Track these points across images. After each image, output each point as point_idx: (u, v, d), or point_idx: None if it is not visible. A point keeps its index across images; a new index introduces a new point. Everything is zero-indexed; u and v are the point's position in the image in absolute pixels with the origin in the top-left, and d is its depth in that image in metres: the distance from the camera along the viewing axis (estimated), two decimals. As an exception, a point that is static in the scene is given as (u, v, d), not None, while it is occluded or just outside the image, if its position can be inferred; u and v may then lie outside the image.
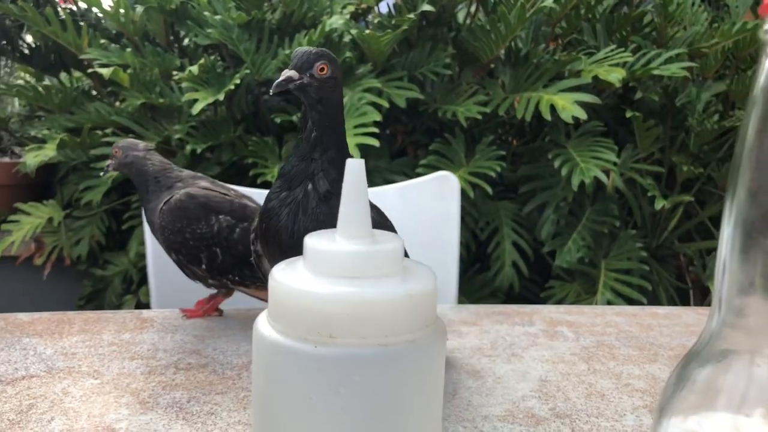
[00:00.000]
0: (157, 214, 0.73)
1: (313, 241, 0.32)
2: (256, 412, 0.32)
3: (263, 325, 0.32)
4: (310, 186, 0.55)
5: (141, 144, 0.78)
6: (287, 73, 0.54)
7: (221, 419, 0.55)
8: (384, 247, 0.31)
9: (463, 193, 1.46)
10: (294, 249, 0.55)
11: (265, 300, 0.81)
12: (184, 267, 0.76)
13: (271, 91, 0.53)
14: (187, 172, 0.78)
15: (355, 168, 0.32)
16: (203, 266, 0.73)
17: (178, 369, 0.64)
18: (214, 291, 0.81)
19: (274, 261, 0.57)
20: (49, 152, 1.53)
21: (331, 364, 0.29)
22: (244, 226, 0.73)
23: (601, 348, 0.73)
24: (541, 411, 0.58)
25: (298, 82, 0.53)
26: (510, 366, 0.67)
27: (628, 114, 1.54)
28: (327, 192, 0.55)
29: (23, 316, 0.76)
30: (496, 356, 0.70)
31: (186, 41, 1.79)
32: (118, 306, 1.65)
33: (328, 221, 0.54)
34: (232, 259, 0.73)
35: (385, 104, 1.48)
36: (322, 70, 0.53)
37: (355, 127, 1.44)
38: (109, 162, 0.77)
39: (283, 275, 0.31)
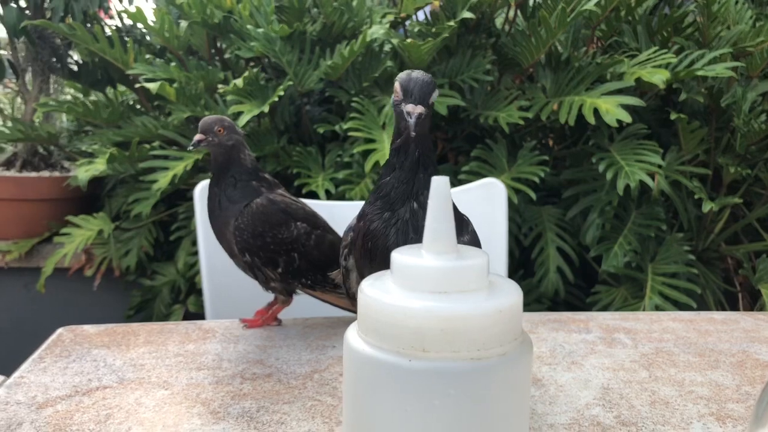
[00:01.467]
0: (236, 215, 0.73)
1: (400, 256, 0.32)
2: (348, 423, 0.33)
3: (354, 338, 0.33)
4: (415, 205, 0.55)
5: (240, 129, 0.77)
6: (418, 110, 0.54)
7: (291, 428, 0.56)
8: (470, 262, 0.32)
9: (508, 199, 1.46)
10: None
11: (330, 303, 0.83)
12: (258, 269, 0.76)
13: (412, 133, 0.54)
14: (271, 177, 0.78)
15: (440, 185, 0.33)
16: (279, 270, 0.76)
17: (244, 379, 0.65)
18: (269, 298, 0.82)
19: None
20: (99, 166, 1.57)
21: (426, 378, 0.30)
22: (317, 233, 0.76)
23: (661, 355, 0.73)
24: (606, 419, 0.58)
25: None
26: (571, 374, 0.67)
27: (673, 116, 1.52)
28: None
29: (89, 328, 0.79)
30: (556, 364, 0.70)
31: (227, 54, 1.82)
32: (166, 316, 1.68)
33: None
34: (307, 264, 0.76)
35: (427, 112, 1.49)
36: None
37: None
38: (200, 138, 0.73)
39: (373, 290, 0.32)
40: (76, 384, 0.63)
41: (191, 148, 0.64)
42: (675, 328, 0.82)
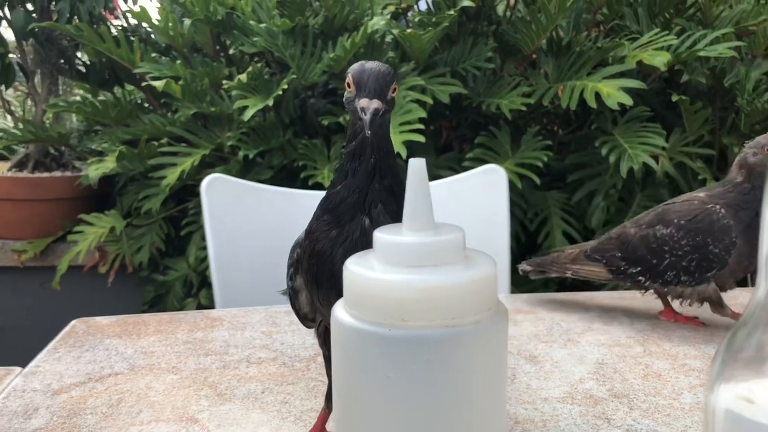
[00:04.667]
0: None
1: (382, 234, 0.34)
2: (337, 391, 0.36)
3: (341, 312, 0.35)
4: (367, 221, 0.46)
5: None
6: (374, 105, 0.45)
7: (294, 407, 0.58)
8: (447, 237, 0.34)
9: (511, 185, 1.47)
10: None
11: None
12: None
13: (367, 133, 0.44)
14: None
15: (417, 166, 0.35)
16: None
17: (250, 363, 0.68)
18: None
19: (329, 306, 0.41)
20: (109, 164, 1.60)
21: (405, 345, 0.32)
22: None
23: (657, 330, 0.75)
24: (599, 392, 0.60)
25: (383, 110, 0.45)
26: (566, 350, 0.69)
27: (675, 98, 1.53)
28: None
29: (102, 320, 0.81)
30: (553, 342, 0.72)
31: (232, 50, 1.84)
32: (180, 309, 1.71)
33: None
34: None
35: (429, 101, 1.51)
36: (394, 91, 0.47)
37: (401, 124, 1.47)
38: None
39: (357, 267, 0.34)
40: (89, 371, 0.66)
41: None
42: (673, 306, 0.83)
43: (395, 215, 0.46)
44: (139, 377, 0.65)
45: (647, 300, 0.86)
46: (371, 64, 0.46)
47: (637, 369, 0.64)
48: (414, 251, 0.34)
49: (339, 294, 0.45)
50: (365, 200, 0.46)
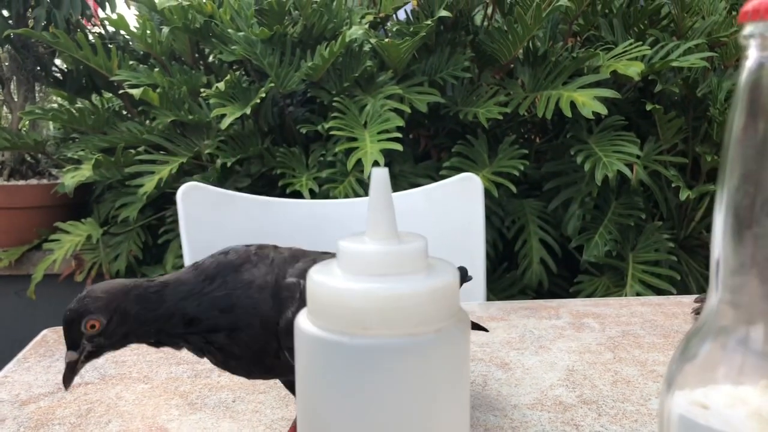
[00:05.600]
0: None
1: (345, 243, 0.35)
2: (300, 400, 0.36)
3: (303, 321, 0.35)
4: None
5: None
6: (67, 358, 0.47)
7: (265, 416, 0.58)
8: (409, 246, 0.35)
9: (488, 193, 1.48)
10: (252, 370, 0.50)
11: None
12: None
13: (64, 388, 0.47)
14: None
15: (379, 176, 0.35)
16: None
17: (222, 372, 0.68)
18: None
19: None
20: (85, 172, 1.59)
21: (366, 354, 0.32)
22: None
23: (627, 337, 0.75)
24: (568, 398, 0.60)
25: (82, 358, 0.47)
26: (538, 357, 0.70)
27: (649, 107, 1.55)
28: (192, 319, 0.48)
29: (74, 329, 0.81)
30: (524, 349, 0.72)
31: (211, 58, 1.84)
32: (157, 318, 1.70)
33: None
34: None
35: (407, 110, 1.52)
36: (92, 327, 0.46)
37: (379, 133, 1.48)
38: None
39: (320, 275, 0.35)
40: (59, 381, 0.65)
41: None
42: (643, 312, 0.84)
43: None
44: (109, 387, 0.64)
45: (618, 307, 0.87)
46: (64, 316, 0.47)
47: (607, 375, 0.65)
48: (376, 260, 0.34)
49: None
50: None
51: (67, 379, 0.46)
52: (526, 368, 0.67)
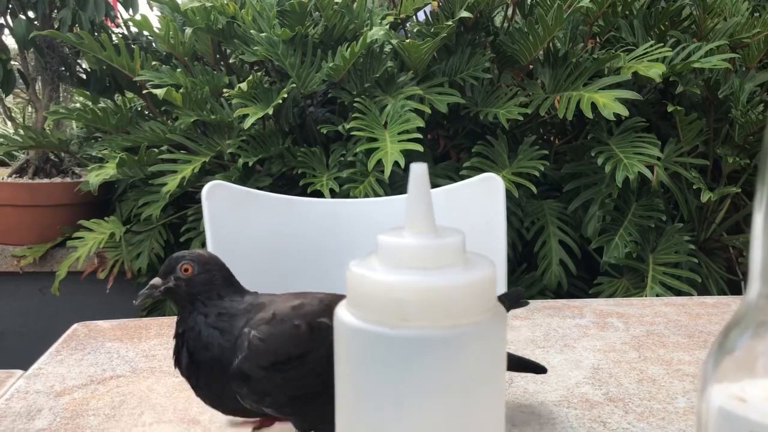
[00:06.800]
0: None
1: (385, 237, 0.36)
2: (339, 391, 0.37)
3: (343, 313, 0.36)
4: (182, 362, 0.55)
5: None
6: (152, 281, 0.55)
7: (295, 410, 0.59)
8: (447, 240, 0.35)
9: (508, 194, 1.48)
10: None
11: None
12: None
13: (134, 302, 0.55)
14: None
15: (418, 171, 0.36)
16: None
17: (250, 366, 0.69)
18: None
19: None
20: (109, 171, 1.61)
21: (406, 344, 0.33)
22: None
23: (651, 337, 0.76)
24: (595, 396, 0.60)
25: (163, 287, 0.54)
26: (563, 356, 0.70)
27: (670, 108, 1.55)
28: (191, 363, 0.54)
29: (103, 323, 0.82)
30: (549, 347, 0.73)
31: (232, 59, 1.86)
32: (178, 315, 1.72)
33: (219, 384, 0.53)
34: None
35: (428, 110, 1.52)
36: (186, 270, 0.54)
37: (399, 134, 1.48)
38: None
39: (360, 269, 0.35)
40: (92, 374, 0.67)
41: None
42: (667, 312, 0.84)
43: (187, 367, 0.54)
44: (141, 380, 0.66)
45: (642, 307, 0.87)
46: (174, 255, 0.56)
47: (632, 374, 0.65)
48: (415, 253, 0.35)
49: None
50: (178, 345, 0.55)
51: (143, 295, 0.54)
52: (552, 366, 0.67)
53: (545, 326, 0.79)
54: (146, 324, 0.82)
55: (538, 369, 0.60)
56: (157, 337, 0.78)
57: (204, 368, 0.53)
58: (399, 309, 0.33)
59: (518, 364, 0.60)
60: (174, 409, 0.59)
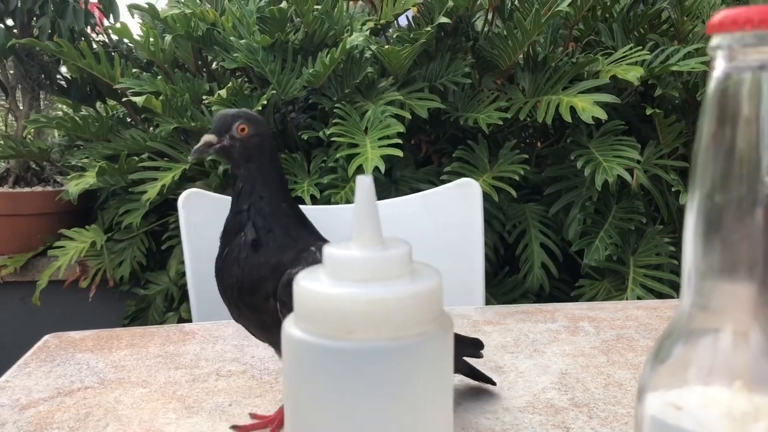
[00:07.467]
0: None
1: (330, 250, 0.36)
2: (287, 404, 0.37)
3: (290, 325, 0.36)
4: (243, 238, 0.54)
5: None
6: (206, 138, 0.54)
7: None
8: (393, 252, 0.35)
9: (489, 198, 1.49)
10: (239, 302, 0.54)
11: None
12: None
13: (189, 158, 0.55)
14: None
15: (364, 183, 0.36)
16: None
17: (219, 376, 0.69)
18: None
19: (237, 316, 0.56)
20: (89, 180, 1.60)
21: (349, 357, 0.33)
22: None
23: (621, 341, 0.76)
24: (560, 401, 0.61)
25: (218, 146, 0.54)
26: (532, 361, 0.70)
27: (649, 111, 1.56)
28: (253, 241, 0.53)
29: (75, 334, 0.82)
30: (519, 352, 0.73)
31: (214, 65, 1.86)
32: (161, 323, 1.71)
33: (257, 270, 0.53)
34: None
35: (408, 116, 1.53)
36: (242, 130, 0.54)
37: (380, 139, 1.49)
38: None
39: (305, 281, 0.35)
40: (59, 386, 0.66)
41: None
42: (638, 316, 0.85)
43: (261, 231, 0.53)
44: (108, 391, 0.65)
45: (614, 310, 0.87)
46: (221, 111, 0.56)
47: (599, 378, 0.66)
48: (361, 265, 0.35)
49: (233, 305, 0.55)
50: (240, 221, 0.54)
51: (198, 151, 0.54)
52: (520, 371, 0.68)
53: (516, 331, 0.80)
54: (118, 334, 0.82)
55: (490, 381, 0.63)
56: (128, 347, 0.77)
57: (267, 253, 0.52)
58: (343, 321, 0.33)
59: (471, 373, 0.62)
60: (140, 420, 0.59)
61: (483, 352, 0.62)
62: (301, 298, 0.35)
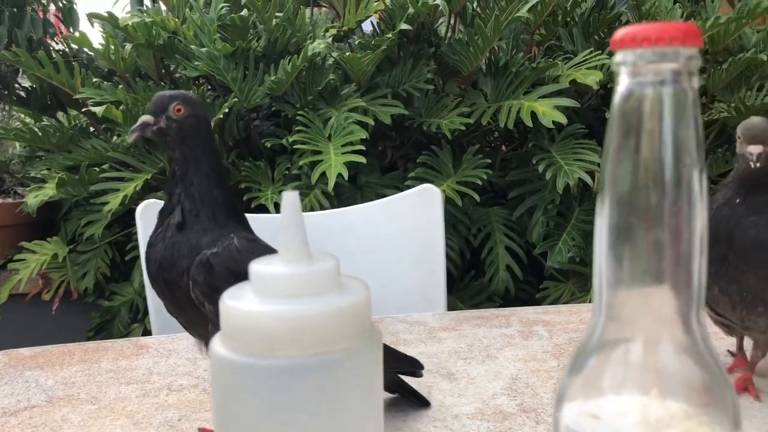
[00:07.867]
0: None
1: (256, 266, 0.36)
2: (215, 422, 0.37)
3: (217, 344, 0.36)
4: (171, 220, 0.56)
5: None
6: (143, 118, 0.55)
7: (209, 434, 0.58)
8: (319, 267, 0.35)
9: (453, 202, 1.50)
10: (158, 277, 0.56)
11: None
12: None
13: (127, 139, 0.57)
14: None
15: (290, 199, 0.36)
16: None
17: (170, 390, 0.68)
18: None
19: (158, 292, 0.58)
20: (49, 191, 1.58)
21: (275, 374, 0.33)
22: None
23: (573, 344, 0.77)
24: (509, 407, 0.61)
25: (155, 127, 0.55)
26: (484, 367, 0.71)
27: (609, 115, 1.57)
28: (179, 223, 0.55)
29: (25, 351, 0.81)
30: (472, 358, 0.73)
31: (176, 74, 1.84)
32: (126, 335, 1.69)
33: (178, 248, 0.55)
34: None
35: (371, 122, 1.53)
36: (179, 110, 0.55)
37: (343, 146, 1.49)
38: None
39: (232, 299, 0.35)
40: (5, 406, 0.65)
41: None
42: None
43: (188, 213, 0.55)
44: (56, 409, 0.64)
45: (569, 314, 0.88)
46: (160, 92, 0.58)
47: (549, 383, 0.66)
48: (286, 281, 0.35)
49: (153, 281, 0.57)
50: (173, 203, 0.56)
51: (135, 131, 0.56)
52: (471, 378, 0.68)
53: (471, 337, 0.80)
54: (70, 350, 0.81)
55: (424, 402, 0.62)
56: (79, 363, 0.76)
57: (189, 234, 0.54)
58: (267, 339, 0.33)
59: (405, 391, 0.62)
60: (86, 438, 0.58)
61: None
62: (227, 316, 0.35)
